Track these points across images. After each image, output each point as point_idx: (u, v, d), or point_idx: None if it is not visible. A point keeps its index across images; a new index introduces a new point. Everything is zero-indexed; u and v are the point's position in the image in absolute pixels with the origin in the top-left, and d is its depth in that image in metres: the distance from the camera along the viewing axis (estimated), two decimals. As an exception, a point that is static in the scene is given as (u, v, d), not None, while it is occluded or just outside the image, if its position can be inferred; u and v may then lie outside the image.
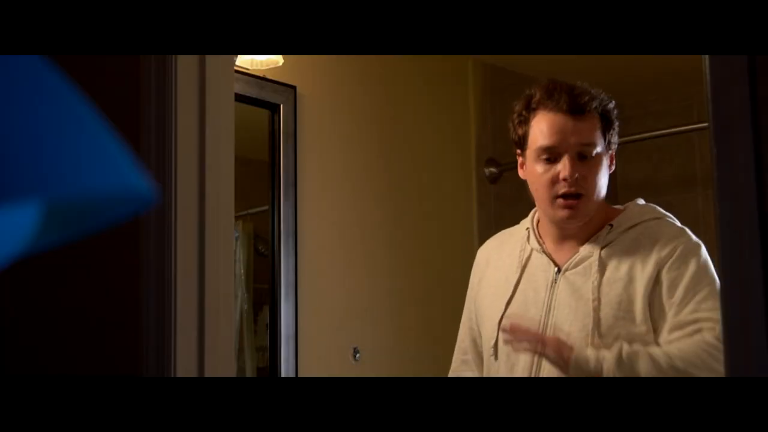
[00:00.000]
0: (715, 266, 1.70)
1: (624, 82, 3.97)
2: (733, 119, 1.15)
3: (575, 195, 1.77)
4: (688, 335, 1.69)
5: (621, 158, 4.19)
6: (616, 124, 1.85)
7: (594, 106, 1.80)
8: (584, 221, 1.81)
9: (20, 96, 0.49)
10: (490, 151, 3.65)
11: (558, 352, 1.71)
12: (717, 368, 1.61)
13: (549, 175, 1.79)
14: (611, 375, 1.66)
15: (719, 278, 1.17)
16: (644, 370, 1.66)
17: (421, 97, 3.47)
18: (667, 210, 1.89)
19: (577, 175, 1.76)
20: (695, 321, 1.70)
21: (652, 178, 4.23)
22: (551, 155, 1.79)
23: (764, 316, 1.09)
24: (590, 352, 1.69)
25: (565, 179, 1.76)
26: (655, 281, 1.73)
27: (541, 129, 1.80)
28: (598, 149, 1.79)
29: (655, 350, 1.69)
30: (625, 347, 1.68)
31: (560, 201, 1.78)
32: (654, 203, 1.92)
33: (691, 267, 1.74)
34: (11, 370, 1.86)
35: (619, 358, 1.67)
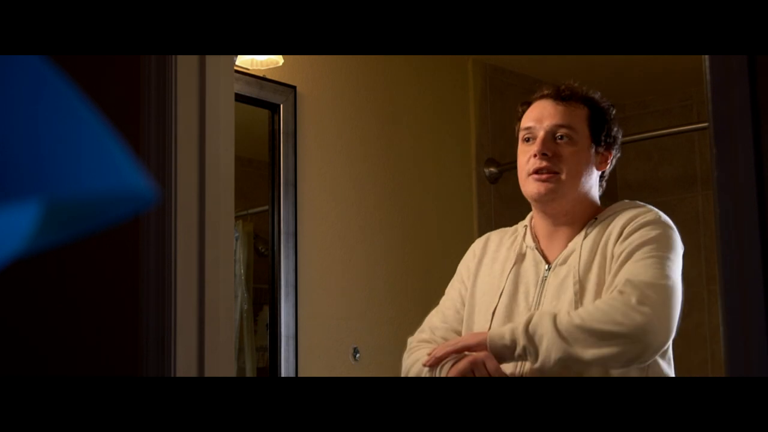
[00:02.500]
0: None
1: (624, 82, 3.97)
2: (733, 119, 1.15)
3: (547, 171, 1.82)
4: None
5: (621, 158, 4.21)
6: (614, 128, 1.92)
7: (580, 95, 1.89)
8: (560, 203, 1.84)
9: (20, 96, 0.49)
10: (490, 151, 3.65)
11: (474, 338, 1.75)
12: (620, 320, 1.60)
13: (526, 154, 1.86)
14: (523, 343, 1.66)
15: (719, 278, 1.17)
16: (547, 330, 1.64)
17: (421, 97, 3.47)
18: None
19: (550, 153, 1.82)
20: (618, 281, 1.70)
21: (652, 178, 4.23)
22: (530, 135, 1.87)
23: (764, 316, 1.09)
24: (505, 327, 1.71)
25: (535, 154, 1.83)
26: (615, 243, 1.77)
27: (526, 115, 1.90)
28: (577, 135, 1.85)
29: (560, 311, 1.69)
30: (536, 313, 1.70)
31: (532, 176, 1.84)
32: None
33: (641, 233, 1.75)
34: (11, 370, 1.86)
35: (527, 323, 1.67)
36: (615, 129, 1.93)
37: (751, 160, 1.12)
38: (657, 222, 1.79)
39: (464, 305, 1.97)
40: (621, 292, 1.65)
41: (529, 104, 1.92)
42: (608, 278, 1.74)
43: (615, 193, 4.02)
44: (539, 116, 1.87)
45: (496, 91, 3.69)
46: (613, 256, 1.76)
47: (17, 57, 0.50)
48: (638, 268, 1.69)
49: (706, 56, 1.19)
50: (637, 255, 1.72)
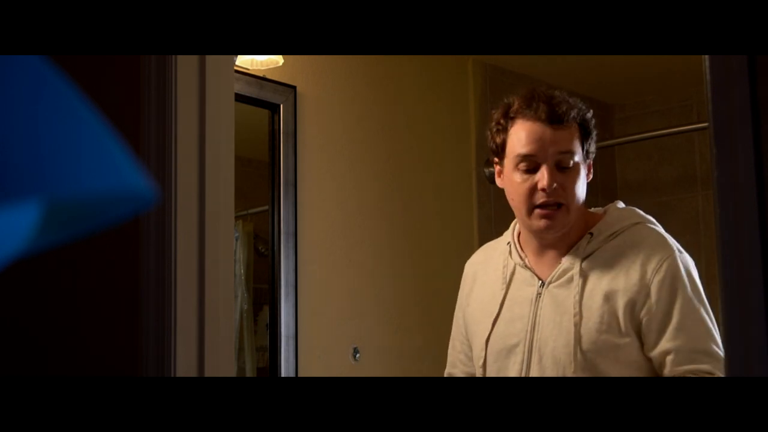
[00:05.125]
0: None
1: (624, 82, 3.97)
2: (733, 119, 1.15)
3: (554, 204, 1.75)
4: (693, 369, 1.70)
5: (621, 158, 4.23)
6: (594, 133, 1.84)
7: (572, 115, 1.78)
8: (562, 231, 1.79)
9: (20, 96, 0.49)
10: (490, 151, 3.64)
11: None
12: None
13: (527, 184, 1.76)
14: None
15: (719, 278, 1.17)
16: None
17: (421, 97, 3.47)
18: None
19: (555, 184, 1.74)
20: (698, 352, 1.71)
21: (652, 178, 4.23)
22: (530, 164, 1.76)
23: (764, 316, 1.09)
24: None
25: (543, 189, 1.74)
26: (643, 295, 1.72)
27: (519, 137, 1.78)
28: (577, 158, 1.77)
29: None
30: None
31: (538, 211, 1.76)
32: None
33: (681, 288, 1.73)
34: (11, 370, 1.86)
35: None
36: (595, 134, 1.85)
37: (751, 160, 1.12)
38: (678, 263, 1.75)
39: (465, 334, 1.96)
40: (709, 373, 1.68)
41: (509, 117, 1.80)
42: (650, 335, 1.71)
43: (615, 193, 4.02)
44: (540, 144, 1.75)
45: (496, 91, 3.69)
46: (640, 304, 1.71)
47: (17, 57, 0.50)
48: (701, 343, 1.71)
49: (706, 56, 1.19)
50: (686, 321, 1.71)
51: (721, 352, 1.68)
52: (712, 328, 1.73)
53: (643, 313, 1.72)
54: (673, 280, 1.73)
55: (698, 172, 4.08)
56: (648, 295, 1.72)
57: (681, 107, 4.13)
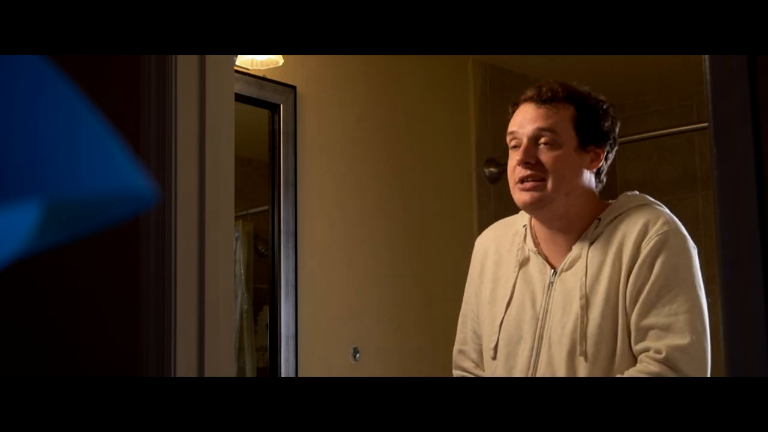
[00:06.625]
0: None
1: (624, 82, 3.97)
2: (733, 119, 1.15)
3: (535, 179, 1.78)
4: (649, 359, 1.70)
5: (621, 158, 4.22)
6: (606, 123, 1.85)
7: (565, 96, 1.81)
8: (551, 210, 1.80)
9: (20, 96, 0.49)
10: (490, 151, 3.65)
11: None
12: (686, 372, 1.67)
13: (513, 161, 1.82)
14: None
15: (719, 278, 1.17)
16: None
17: (421, 97, 3.47)
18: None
19: (533, 161, 1.78)
20: (652, 327, 1.70)
21: (652, 178, 4.23)
22: (516, 142, 1.83)
23: (764, 316, 1.09)
24: None
25: (519, 163, 1.79)
26: (628, 269, 1.73)
27: (512, 119, 1.86)
28: (562, 138, 1.79)
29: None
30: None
31: (519, 185, 1.80)
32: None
33: (660, 263, 1.72)
34: (11, 370, 1.86)
35: None
36: (607, 123, 1.85)
37: (751, 160, 1.12)
38: (674, 238, 1.74)
39: (476, 312, 1.96)
40: (671, 368, 1.67)
41: (514, 105, 1.87)
42: (633, 316, 1.70)
43: (615, 193, 4.02)
44: (522, 121, 1.82)
45: (496, 91, 3.69)
46: (629, 276, 1.72)
47: (17, 57, 0.50)
48: (676, 329, 1.69)
49: (706, 56, 1.19)
50: (669, 308, 1.70)
51: (701, 330, 1.69)
52: (692, 307, 1.72)
53: (628, 286, 1.73)
54: (658, 254, 1.72)
55: (698, 172, 4.08)
56: (632, 269, 1.73)
57: (681, 107, 4.13)
